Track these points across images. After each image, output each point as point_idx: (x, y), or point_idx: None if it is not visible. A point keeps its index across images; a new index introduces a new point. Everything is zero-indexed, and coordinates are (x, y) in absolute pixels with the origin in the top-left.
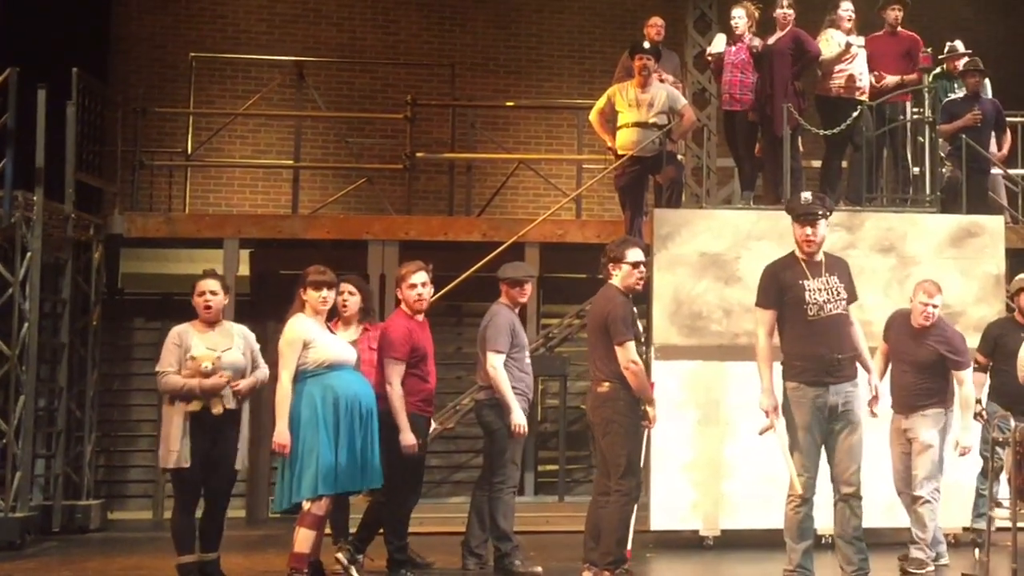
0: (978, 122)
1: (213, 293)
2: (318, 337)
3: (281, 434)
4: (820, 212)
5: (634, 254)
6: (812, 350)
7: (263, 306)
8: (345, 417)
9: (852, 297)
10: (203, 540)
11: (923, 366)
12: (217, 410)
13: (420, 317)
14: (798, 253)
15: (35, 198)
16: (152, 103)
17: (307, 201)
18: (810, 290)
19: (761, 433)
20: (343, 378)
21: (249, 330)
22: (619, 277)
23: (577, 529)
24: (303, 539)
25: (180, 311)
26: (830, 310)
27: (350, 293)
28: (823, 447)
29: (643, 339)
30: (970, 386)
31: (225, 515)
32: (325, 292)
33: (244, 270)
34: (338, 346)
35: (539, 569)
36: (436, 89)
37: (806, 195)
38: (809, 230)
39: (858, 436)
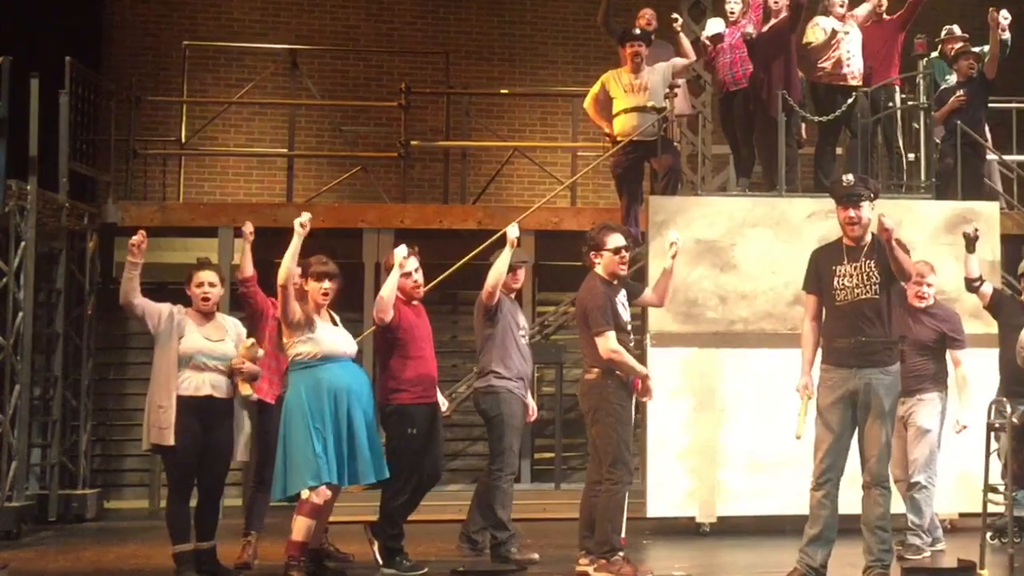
0: (962, 103)
1: (211, 285)
2: (316, 328)
3: None
4: (864, 193)
5: (614, 240)
6: (838, 333)
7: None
8: (330, 409)
9: (896, 277)
10: (199, 529)
11: (923, 346)
12: (246, 391)
13: (415, 302)
14: (844, 238)
15: (29, 187)
16: (146, 92)
17: (301, 190)
18: (839, 275)
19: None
20: (333, 370)
21: (240, 323)
22: (602, 265)
23: (573, 516)
24: (299, 527)
25: (175, 300)
26: (858, 295)
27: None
28: (855, 436)
29: (628, 328)
30: (968, 367)
31: (220, 504)
32: (327, 284)
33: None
34: (334, 338)
35: (535, 556)
36: (430, 77)
37: (848, 176)
38: (852, 212)
39: (884, 424)
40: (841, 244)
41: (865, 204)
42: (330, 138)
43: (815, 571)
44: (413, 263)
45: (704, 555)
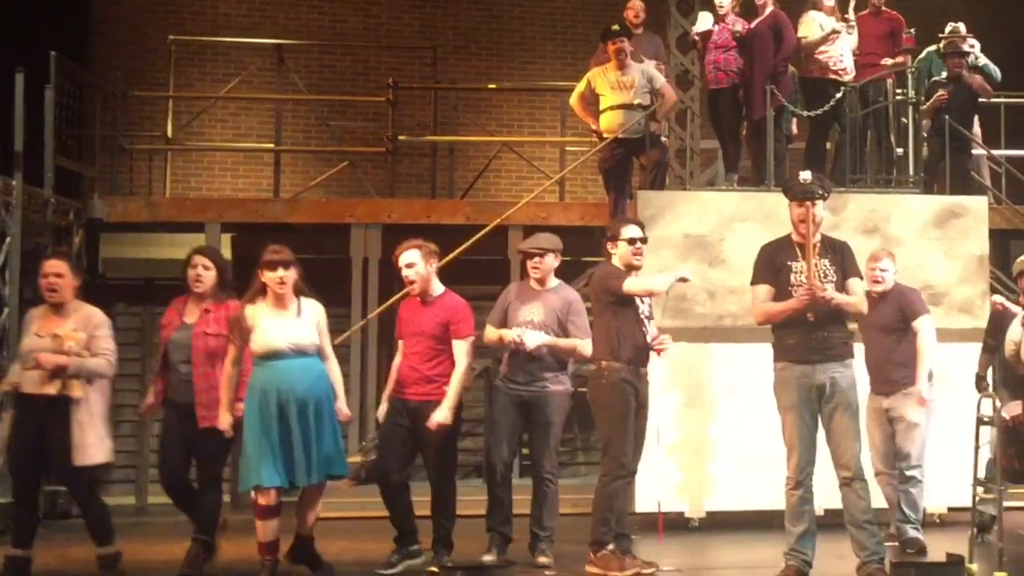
0: (943, 103)
1: (57, 276)
2: (260, 324)
3: (218, 418)
4: (818, 192)
5: (629, 231)
6: (794, 330)
7: (245, 290)
8: (265, 410)
9: (848, 277)
10: (89, 533)
11: (889, 329)
12: (74, 392)
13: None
14: (794, 235)
15: (14, 183)
16: (132, 87)
17: (289, 185)
18: (796, 272)
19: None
20: (277, 367)
21: (101, 316)
22: (617, 255)
23: (563, 512)
24: (259, 529)
25: (162, 295)
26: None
27: (204, 267)
28: (822, 431)
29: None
30: (927, 335)
31: (90, 506)
32: (281, 272)
33: (226, 254)
34: (276, 334)
35: (489, 557)
36: (418, 72)
37: (804, 174)
38: (807, 209)
39: (852, 417)
40: (791, 241)
41: (819, 202)
42: (317, 133)
43: (809, 565)
44: (405, 258)
45: (693, 550)
